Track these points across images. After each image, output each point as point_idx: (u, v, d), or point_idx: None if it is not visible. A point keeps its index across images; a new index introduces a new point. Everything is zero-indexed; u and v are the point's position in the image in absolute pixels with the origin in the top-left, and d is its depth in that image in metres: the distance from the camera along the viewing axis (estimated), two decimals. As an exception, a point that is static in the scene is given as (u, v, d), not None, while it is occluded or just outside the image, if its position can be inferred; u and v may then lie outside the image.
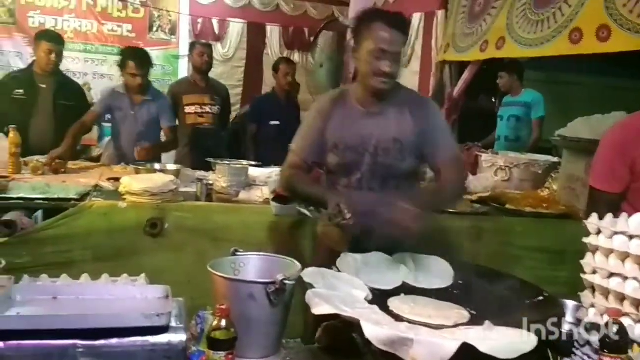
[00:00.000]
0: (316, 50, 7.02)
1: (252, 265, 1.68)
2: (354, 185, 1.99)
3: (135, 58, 3.68)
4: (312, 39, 4.33)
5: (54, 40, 3.74)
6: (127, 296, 1.23)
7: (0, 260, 1.50)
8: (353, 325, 1.37)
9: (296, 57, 6.75)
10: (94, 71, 6.39)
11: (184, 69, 6.59)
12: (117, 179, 2.88)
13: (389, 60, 1.85)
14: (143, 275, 1.57)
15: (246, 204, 2.74)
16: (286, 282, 1.46)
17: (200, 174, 3.20)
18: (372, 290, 1.58)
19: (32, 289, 1.22)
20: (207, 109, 4.18)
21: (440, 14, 4.96)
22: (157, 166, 3.19)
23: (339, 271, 1.67)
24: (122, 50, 3.95)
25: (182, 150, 4.17)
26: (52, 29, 5.80)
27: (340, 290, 1.55)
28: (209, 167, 3.31)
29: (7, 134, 3.02)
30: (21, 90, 3.67)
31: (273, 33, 6.99)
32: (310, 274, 1.56)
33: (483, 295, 1.58)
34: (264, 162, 3.44)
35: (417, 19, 5.39)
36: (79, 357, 1.01)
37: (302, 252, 2.46)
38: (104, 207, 2.50)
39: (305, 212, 1.93)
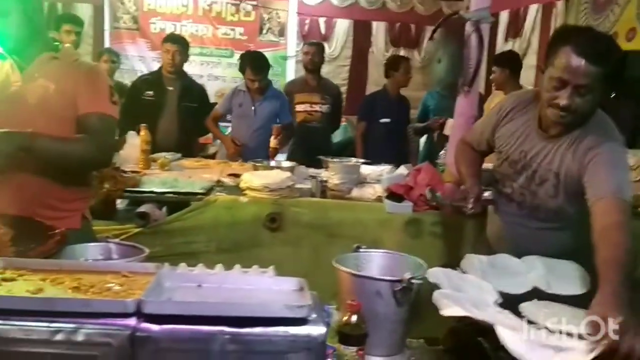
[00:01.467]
0: (422, 46, 6.92)
1: (375, 262, 1.68)
2: (503, 196, 1.90)
3: (252, 64, 3.89)
4: (431, 33, 4.22)
5: (178, 43, 4.01)
6: (264, 287, 1.27)
7: (144, 249, 1.61)
8: (481, 329, 1.33)
9: (402, 54, 6.68)
10: (209, 73, 6.73)
11: (291, 70, 6.77)
12: (236, 175, 3.03)
13: (570, 93, 1.59)
14: (272, 267, 1.63)
15: (359, 201, 2.75)
16: (413, 281, 1.45)
17: (312, 171, 3.26)
18: (501, 293, 1.52)
19: (178, 277, 1.29)
20: (317, 107, 4.25)
21: (560, 4, 4.70)
22: (272, 163, 3.29)
23: (463, 272, 1.63)
24: (241, 55, 4.17)
25: (292, 147, 4.30)
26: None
27: (467, 292, 1.51)
28: (317, 164, 3.38)
29: (138, 132, 3.26)
30: (150, 92, 3.96)
31: (379, 30, 6.97)
32: (434, 274, 1.54)
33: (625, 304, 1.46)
34: (373, 160, 3.45)
35: (533, 10, 5.14)
36: (224, 343, 1.06)
37: (416, 250, 2.43)
38: (227, 202, 2.63)
39: (434, 196, 1.93)
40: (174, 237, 2.55)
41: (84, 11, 6.26)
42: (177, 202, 2.73)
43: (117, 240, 1.70)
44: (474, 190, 1.78)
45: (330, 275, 1.59)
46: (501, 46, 5.73)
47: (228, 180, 2.99)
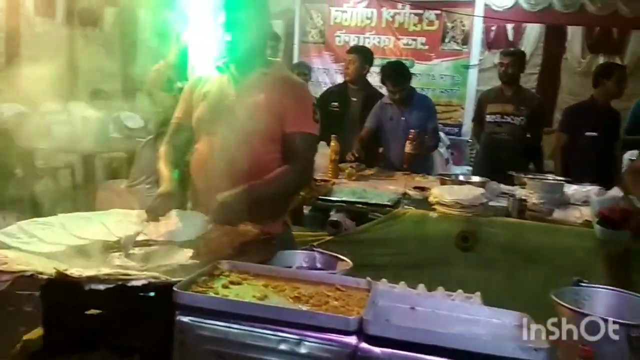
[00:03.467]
0: (627, 52, 6.18)
1: (600, 300, 1.48)
2: None
3: (390, 76, 3.84)
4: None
5: (354, 53, 4.13)
6: (482, 318, 1.18)
7: (348, 261, 1.61)
8: None
9: (600, 61, 6.05)
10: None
11: (473, 78, 6.51)
12: (422, 188, 2.96)
13: None
14: (478, 293, 1.53)
15: (563, 225, 2.49)
16: (658, 327, 1.24)
17: (504, 187, 3.05)
18: None
19: (391, 296, 1.26)
20: (508, 119, 3.99)
21: None
22: (461, 177, 3.16)
23: None
24: (382, 68, 4.11)
25: (477, 158, 4.11)
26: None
27: None
28: (505, 180, 3.16)
29: (328, 142, 3.37)
30: (336, 103, 4.09)
31: (574, 35, 6.40)
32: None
33: None
34: (574, 178, 3.12)
35: None
36: (447, 377, 0.99)
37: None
38: (416, 216, 2.58)
39: None
40: (362, 247, 2.56)
41: (276, 27, 6.72)
42: (361, 212, 2.75)
43: (320, 249, 1.72)
44: None
45: (529, 306, 1.43)
46: None
47: (414, 193, 2.93)
